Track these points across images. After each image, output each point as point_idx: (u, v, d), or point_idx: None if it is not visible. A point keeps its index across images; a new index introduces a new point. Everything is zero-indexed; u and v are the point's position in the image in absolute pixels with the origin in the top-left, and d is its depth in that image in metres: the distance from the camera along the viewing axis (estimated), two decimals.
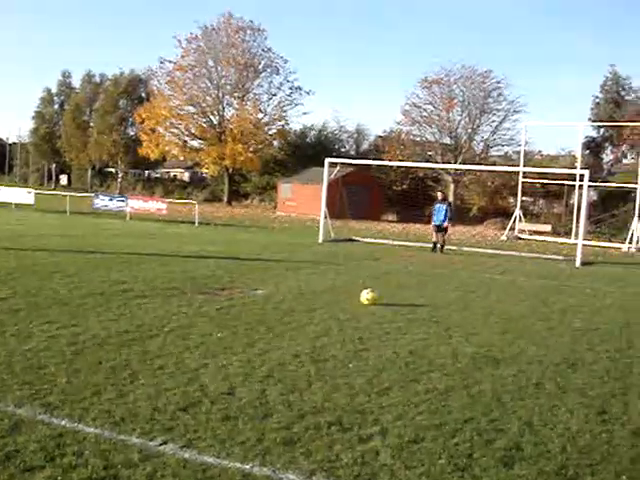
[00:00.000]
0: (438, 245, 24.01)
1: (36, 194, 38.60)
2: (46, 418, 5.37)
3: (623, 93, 52.34)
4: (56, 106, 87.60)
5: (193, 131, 58.35)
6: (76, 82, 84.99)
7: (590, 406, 6.53)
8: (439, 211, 23.98)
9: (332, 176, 28.84)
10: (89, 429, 5.19)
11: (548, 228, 40.94)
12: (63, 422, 5.30)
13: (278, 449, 5.04)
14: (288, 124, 59.90)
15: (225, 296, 11.66)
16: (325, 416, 5.81)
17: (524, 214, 38.18)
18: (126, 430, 5.22)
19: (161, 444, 5.01)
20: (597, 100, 53.28)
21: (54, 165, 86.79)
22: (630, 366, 8.22)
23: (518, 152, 42.82)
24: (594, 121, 50.29)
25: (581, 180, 28.69)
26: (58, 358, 7.09)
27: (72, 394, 5.98)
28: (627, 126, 42.81)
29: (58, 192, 49.59)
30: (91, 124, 77.59)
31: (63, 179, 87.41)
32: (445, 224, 23.99)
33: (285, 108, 58.66)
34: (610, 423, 6.07)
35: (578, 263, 22.21)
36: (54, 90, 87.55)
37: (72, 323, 8.76)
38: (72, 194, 40.13)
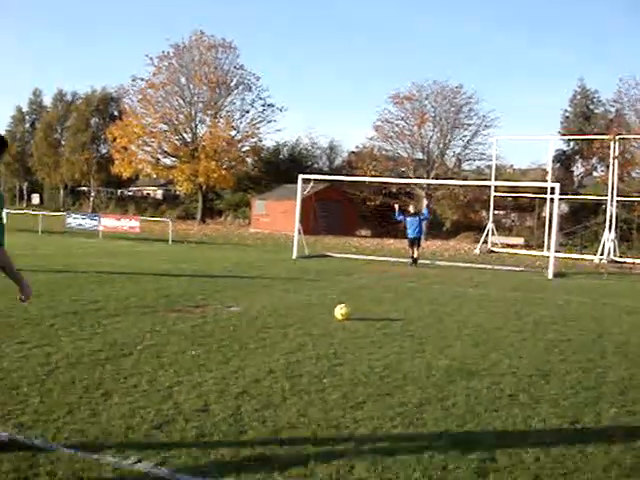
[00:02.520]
0: (406, 259, 24.22)
1: (7, 213, 38.29)
2: (19, 438, 5.32)
3: (592, 107, 53.00)
4: (27, 125, 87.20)
5: (166, 149, 58.17)
6: (47, 100, 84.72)
7: (563, 416, 6.57)
8: (412, 224, 24.12)
9: (306, 192, 28.88)
10: (62, 449, 5.14)
11: (520, 241, 41.23)
12: (36, 442, 5.26)
13: (253, 465, 5.03)
14: (261, 141, 59.98)
15: (199, 313, 11.62)
16: (300, 431, 5.81)
17: (496, 227, 38.43)
18: (100, 449, 5.18)
19: (135, 462, 4.97)
20: (567, 114, 53.95)
21: (26, 184, 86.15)
22: (603, 376, 8.29)
23: (490, 166, 43.13)
24: (564, 135, 50.83)
25: (552, 193, 28.91)
26: (31, 378, 7.03)
27: (45, 414, 5.93)
28: (596, 139, 43.28)
29: (30, 211, 49.18)
30: (63, 143, 77.23)
31: (35, 198, 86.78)
32: (419, 236, 24.24)
33: (258, 125, 58.72)
34: (583, 432, 6.12)
35: (550, 275, 22.39)
36: (25, 109, 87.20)
37: (44, 343, 8.69)
38: (44, 213, 39.82)
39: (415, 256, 24.09)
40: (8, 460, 4.89)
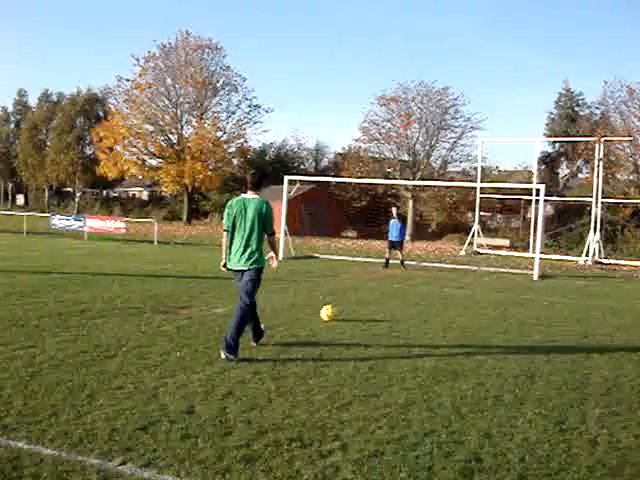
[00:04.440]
0: (393, 261, 24.02)
1: None
2: (3, 440, 5.29)
3: (577, 109, 53.22)
4: (12, 125, 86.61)
5: (152, 150, 57.87)
6: (32, 101, 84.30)
7: (548, 417, 6.60)
8: (394, 227, 23.98)
9: (291, 193, 28.86)
10: (47, 451, 5.13)
11: (506, 242, 41.34)
12: (20, 444, 5.23)
13: (238, 467, 5.02)
14: (247, 142, 59.70)
15: (184, 315, 11.60)
16: (285, 432, 5.80)
17: (482, 229, 38.51)
18: (84, 451, 5.17)
19: (120, 464, 4.96)
20: (552, 116, 54.15)
21: (10, 185, 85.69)
22: (587, 377, 8.33)
23: (476, 168, 43.26)
24: (549, 136, 51.02)
25: (537, 195, 28.94)
26: (15, 380, 6.99)
27: (29, 416, 5.90)
28: (581, 141, 43.48)
29: (14, 212, 48.95)
30: (48, 143, 76.81)
31: (20, 199, 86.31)
32: (400, 240, 24.10)
33: (244, 126, 58.53)
34: (568, 433, 6.15)
35: (536, 276, 22.47)
36: (10, 109, 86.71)
37: (29, 344, 8.65)
38: (29, 214, 39.63)
39: (400, 259, 24.03)
40: None
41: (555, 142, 50.85)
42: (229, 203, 9.03)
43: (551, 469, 5.26)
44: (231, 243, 8.87)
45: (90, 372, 7.45)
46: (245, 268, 8.76)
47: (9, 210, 60.69)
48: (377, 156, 52.99)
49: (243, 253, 8.72)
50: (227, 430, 5.81)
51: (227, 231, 8.86)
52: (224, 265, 9.05)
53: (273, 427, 5.94)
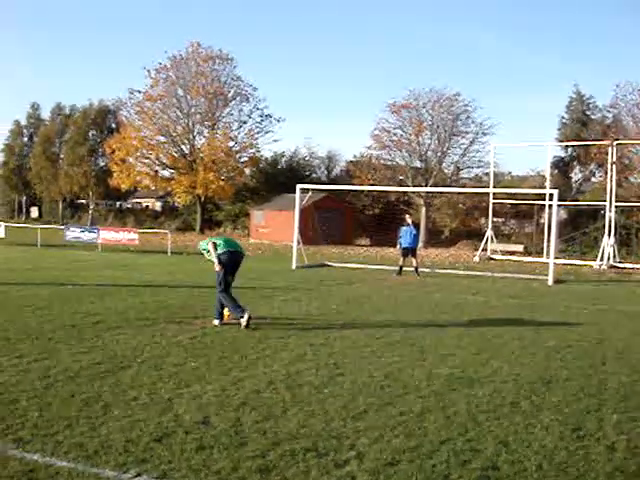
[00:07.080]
0: (407, 268, 23.90)
1: (6, 227, 38.29)
2: (18, 453, 5.30)
3: (589, 112, 52.97)
4: (25, 138, 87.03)
5: (164, 161, 58.04)
6: (45, 114, 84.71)
7: (565, 423, 6.55)
8: (408, 234, 23.88)
9: (304, 202, 28.85)
10: (62, 463, 5.12)
11: (520, 248, 41.13)
12: (35, 457, 5.23)
13: (254, 477, 5.00)
14: (259, 151, 59.76)
15: (198, 325, 11.60)
16: (301, 442, 5.78)
17: (496, 234, 38.38)
18: (99, 463, 5.16)
19: (135, 476, 4.95)
20: (564, 120, 53.89)
21: (24, 198, 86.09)
22: (604, 382, 8.27)
23: (488, 174, 43.13)
24: (561, 141, 50.80)
25: (550, 199, 28.83)
26: (30, 392, 7.00)
27: (44, 428, 5.90)
28: (594, 145, 43.30)
29: (29, 224, 49.15)
30: (61, 156, 77.12)
31: (34, 211, 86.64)
32: (414, 246, 24.03)
33: (256, 136, 58.54)
34: (586, 439, 6.10)
35: (550, 282, 22.34)
36: (23, 122, 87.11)
37: (43, 356, 8.67)
38: (43, 226, 39.81)
39: (414, 266, 23.95)
40: (7, 476, 4.86)
41: (567, 146, 50.57)
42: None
43: (569, 476, 5.21)
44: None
45: (105, 383, 7.46)
46: None
47: (24, 222, 60.94)
48: (389, 163, 52.91)
49: None
50: (242, 440, 5.79)
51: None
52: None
53: (288, 437, 5.92)
